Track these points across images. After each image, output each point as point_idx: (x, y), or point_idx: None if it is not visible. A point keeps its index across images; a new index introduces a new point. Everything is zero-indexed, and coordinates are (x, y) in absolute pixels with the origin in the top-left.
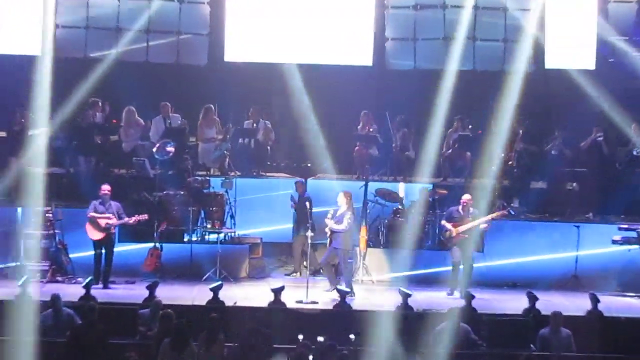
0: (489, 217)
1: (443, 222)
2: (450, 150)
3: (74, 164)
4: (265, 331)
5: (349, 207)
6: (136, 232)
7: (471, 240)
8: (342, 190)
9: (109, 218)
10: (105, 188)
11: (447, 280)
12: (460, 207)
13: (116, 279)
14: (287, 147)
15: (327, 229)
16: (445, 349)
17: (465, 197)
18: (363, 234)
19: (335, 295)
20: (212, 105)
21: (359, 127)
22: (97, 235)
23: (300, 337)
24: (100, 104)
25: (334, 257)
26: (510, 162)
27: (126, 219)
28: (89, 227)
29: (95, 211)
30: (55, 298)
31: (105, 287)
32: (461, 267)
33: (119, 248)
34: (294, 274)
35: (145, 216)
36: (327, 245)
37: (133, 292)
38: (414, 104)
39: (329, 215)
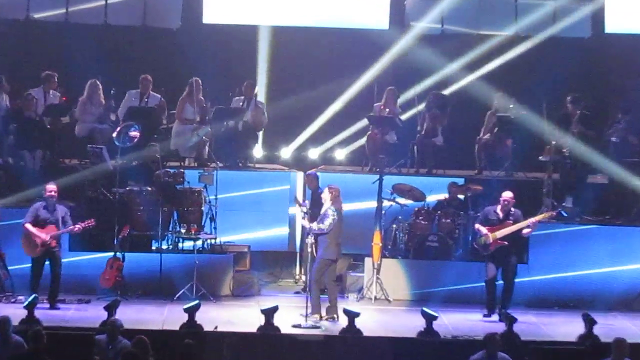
0: (534, 219)
1: (477, 225)
2: (487, 136)
3: (14, 153)
4: None
5: (334, 203)
6: (92, 239)
7: (512, 248)
8: (339, 185)
9: (47, 231)
10: (51, 189)
11: (482, 299)
12: (499, 207)
13: (66, 297)
14: (282, 132)
15: (308, 239)
16: None
17: (506, 194)
18: (377, 241)
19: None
20: (199, 79)
21: (377, 104)
22: (33, 252)
23: None
24: (56, 79)
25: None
26: (563, 150)
27: (70, 227)
28: (23, 242)
29: (36, 217)
30: (4, 322)
31: (53, 307)
32: (500, 282)
33: (70, 259)
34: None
35: (91, 222)
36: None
37: (87, 314)
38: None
39: (302, 214)
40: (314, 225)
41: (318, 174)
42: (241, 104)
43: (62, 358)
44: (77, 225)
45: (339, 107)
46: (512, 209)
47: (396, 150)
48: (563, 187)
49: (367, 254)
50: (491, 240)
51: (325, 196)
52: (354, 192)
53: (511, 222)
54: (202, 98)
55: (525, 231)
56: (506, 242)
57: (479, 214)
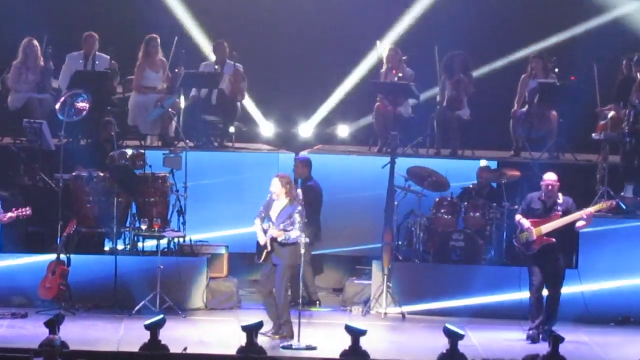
0: (590, 209)
1: (518, 217)
2: (525, 108)
3: None
4: None
5: (295, 199)
6: (28, 238)
7: (560, 247)
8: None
9: None
10: None
11: (520, 312)
12: (542, 194)
13: None
14: (268, 103)
15: (266, 240)
16: None
17: (549, 177)
18: (387, 240)
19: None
20: (156, 36)
21: (381, 70)
22: None
23: None
24: None
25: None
26: (624, 125)
27: None
28: None
29: None
30: None
31: None
32: (544, 292)
33: (1, 262)
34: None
35: (26, 211)
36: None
37: (23, 332)
38: (465, 31)
39: (261, 214)
40: (280, 233)
41: (308, 158)
42: (214, 67)
43: None
44: (7, 214)
45: (338, 69)
46: (560, 197)
47: (412, 125)
48: (623, 172)
49: (376, 257)
50: (535, 237)
51: (277, 190)
52: (359, 179)
53: (559, 213)
54: (164, 59)
55: (579, 224)
56: (554, 240)
57: (516, 207)
